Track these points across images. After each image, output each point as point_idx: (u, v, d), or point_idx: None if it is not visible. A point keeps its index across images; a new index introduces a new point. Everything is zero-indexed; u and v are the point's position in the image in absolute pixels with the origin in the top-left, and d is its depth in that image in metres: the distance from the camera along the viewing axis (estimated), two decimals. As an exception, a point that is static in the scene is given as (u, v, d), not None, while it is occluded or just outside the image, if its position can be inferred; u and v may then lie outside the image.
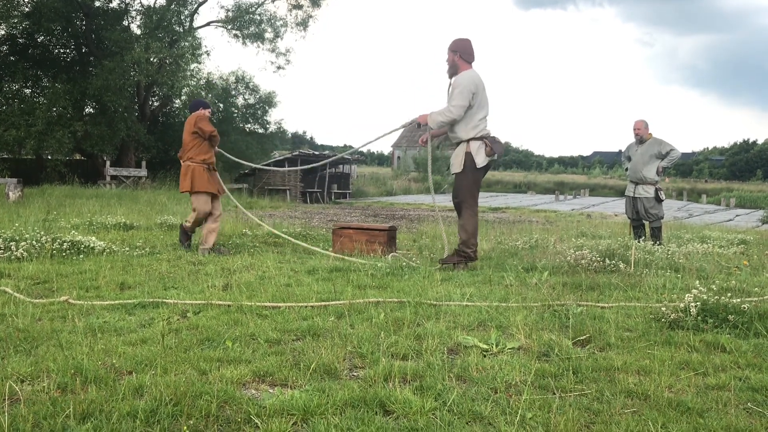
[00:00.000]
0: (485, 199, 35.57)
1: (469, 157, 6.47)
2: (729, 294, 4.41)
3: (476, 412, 2.67)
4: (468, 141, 6.47)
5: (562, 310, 4.35)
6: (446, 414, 2.65)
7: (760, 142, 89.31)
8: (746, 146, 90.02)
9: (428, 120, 6.53)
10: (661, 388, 2.96)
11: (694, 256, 7.42)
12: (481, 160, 6.46)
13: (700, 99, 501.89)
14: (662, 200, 9.06)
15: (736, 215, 29.60)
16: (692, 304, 4.08)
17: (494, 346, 3.57)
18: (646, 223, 9.28)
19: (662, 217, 9.22)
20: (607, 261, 6.33)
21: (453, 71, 6.54)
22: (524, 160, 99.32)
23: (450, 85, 6.59)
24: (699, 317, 4.03)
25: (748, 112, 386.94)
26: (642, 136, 9.10)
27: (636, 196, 9.10)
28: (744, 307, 4.10)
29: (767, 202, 30.11)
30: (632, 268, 6.23)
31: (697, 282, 4.68)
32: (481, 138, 6.47)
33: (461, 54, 6.52)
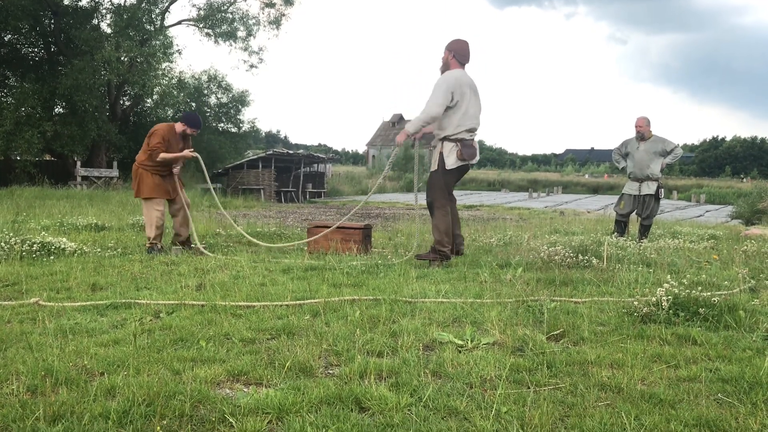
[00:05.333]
0: (459, 198, 35.67)
1: (441, 158, 6.46)
2: (699, 288, 4.46)
3: (452, 407, 2.67)
4: (442, 141, 6.45)
5: (536, 306, 4.38)
6: (422, 410, 2.65)
7: (728, 139, 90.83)
8: (715, 143, 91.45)
9: (408, 129, 6.42)
10: (634, 381, 2.99)
11: (666, 251, 7.51)
12: (451, 162, 6.40)
13: (671, 96, 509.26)
14: (660, 198, 9.16)
15: (706, 211, 30.10)
16: (664, 298, 4.13)
17: (469, 342, 3.58)
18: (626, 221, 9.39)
19: (655, 215, 9.33)
20: (580, 257, 6.39)
21: (444, 69, 6.51)
22: (498, 158, 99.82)
23: None
24: (670, 311, 4.08)
25: (717, 110, 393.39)
26: (644, 133, 9.15)
27: (642, 193, 9.14)
28: (714, 301, 4.16)
29: (736, 198, 30.62)
30: (605, 263, 6.30)
31: (669, 276, 4.73)
32: (455, 140, 6.41)
33: (455, 54, 6.47)
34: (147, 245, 7.66)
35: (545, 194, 45.25)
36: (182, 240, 7.89)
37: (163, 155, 7.49)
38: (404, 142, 6.66)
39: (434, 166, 6.50)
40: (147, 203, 7.63)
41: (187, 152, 7.61)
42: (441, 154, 6.43)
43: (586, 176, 67.53)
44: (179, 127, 7.74)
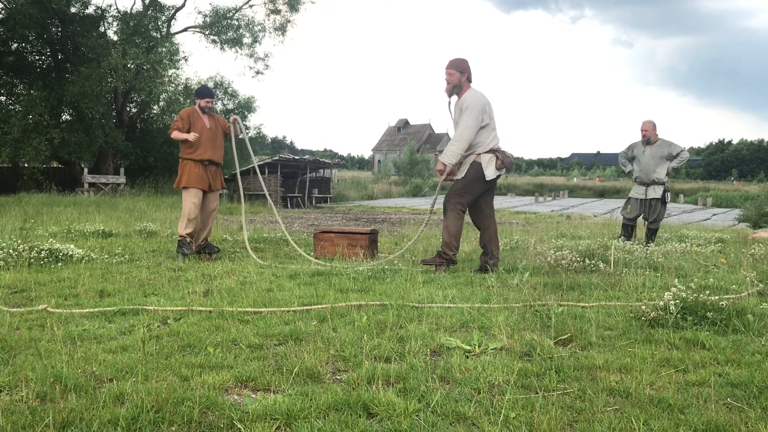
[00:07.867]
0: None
1: (476, 167, 6.44)
2: (707, 292, 4.45)
3: (460, 413, 2.67)
4: (479, 153, 6.46)
5: (543, 310, 4.38)
6: (430, 415, 2.65)
7: (735, 142, 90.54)
8: (721, 146, 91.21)
9: (444, 161, 6.42)
10: (643, 386, 2.98)
11: (673, 254, 7.49)
12: (491, 172, 6.42)
13: (677, 100, 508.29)
14: (666, 202, 9.14)
15: (713, 214, 29.99)
16: (671, 302, 4.12)
17: (477, 347, 3.58)
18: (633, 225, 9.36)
19: (662, 219, 9.31)
20: (587, 261, 6.38)
21: (456, 91, 6.53)
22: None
23: (450, 103, 6.61)
24: (678, 315, 4.06)
25: (724, 113, 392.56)
26: (649, 137, 9.15)
27: (649, 197, 9.13)
28: (722, 304, 4.14)
29: (743, 201, 30.53)
30: (612, 267, 6.28)
31: (676, 280, 4.72)
32: (492, 151, 6.45)
33: (468, 76, 6.53)
34: (179, 239, 7.63)
35: (551, 198, 45.18)
36: (199, 245, 7.81)
37: (175, 134, 7.71)
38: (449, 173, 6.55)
39: (461, 175, 6.49)
40: (184, 193, 7.72)
41: (190, 135, 7.65)
42: (478, 164, 6.42)
43: (575, 179, 67.72)
44: (197, 104, 7.97)
